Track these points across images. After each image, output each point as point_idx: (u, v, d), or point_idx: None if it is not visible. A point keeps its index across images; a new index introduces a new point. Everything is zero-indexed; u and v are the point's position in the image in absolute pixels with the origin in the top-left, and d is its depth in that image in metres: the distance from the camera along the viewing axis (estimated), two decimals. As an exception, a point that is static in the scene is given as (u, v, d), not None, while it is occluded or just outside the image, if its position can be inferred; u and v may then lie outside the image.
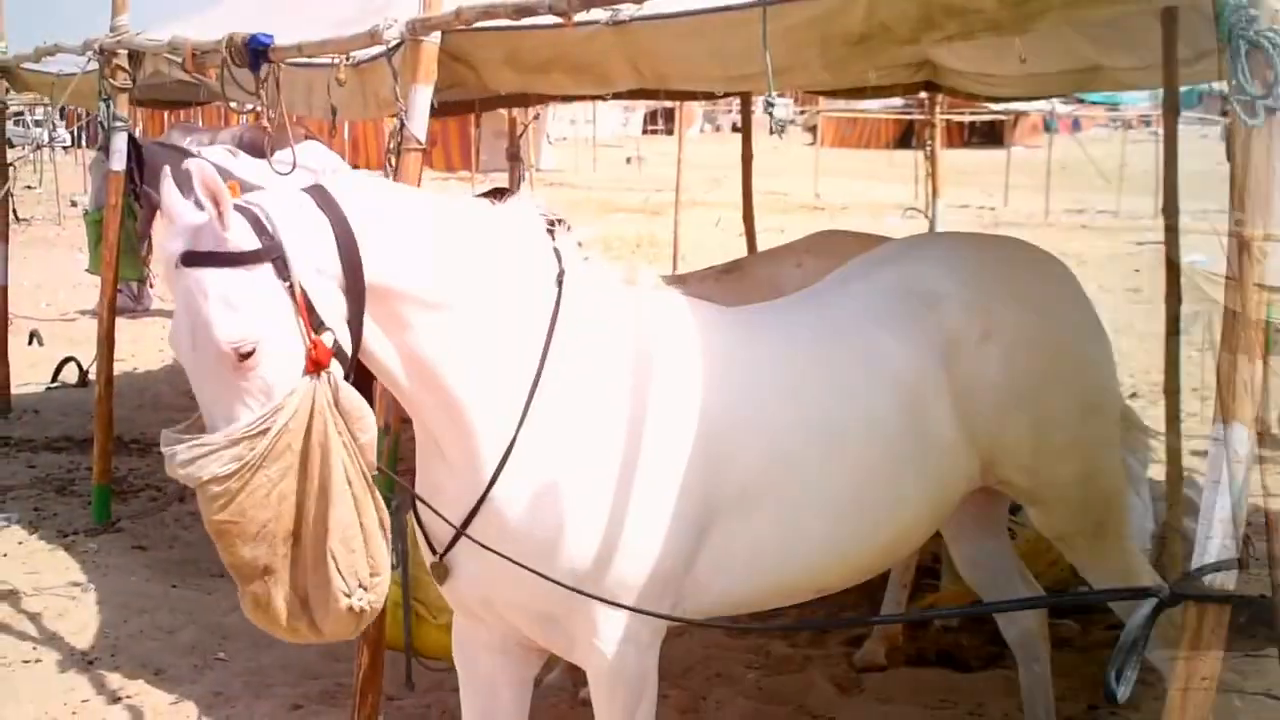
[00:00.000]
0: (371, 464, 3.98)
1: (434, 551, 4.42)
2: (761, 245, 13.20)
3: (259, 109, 8.12)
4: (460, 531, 4.24)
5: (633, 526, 4.24)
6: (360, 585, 3.92)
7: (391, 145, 6.25)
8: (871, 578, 5.25)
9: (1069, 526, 5.23)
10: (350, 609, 3.92)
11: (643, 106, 60.46)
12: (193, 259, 3.69)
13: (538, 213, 4.39)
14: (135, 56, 9.26)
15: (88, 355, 14.10)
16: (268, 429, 3.73)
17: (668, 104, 57.20)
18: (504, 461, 4.15)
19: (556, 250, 4.35)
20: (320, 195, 3.93)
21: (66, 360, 14.34)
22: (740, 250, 21.98)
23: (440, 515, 4.28)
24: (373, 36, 6.24)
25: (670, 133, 64.34)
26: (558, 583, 4.10)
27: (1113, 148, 41.40)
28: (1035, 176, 35.25)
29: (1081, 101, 41.14)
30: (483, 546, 4.15)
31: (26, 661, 7.32)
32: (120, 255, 10.32)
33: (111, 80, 9.33)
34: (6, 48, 12.30)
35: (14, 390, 13.26)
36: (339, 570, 3.88)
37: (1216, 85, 9.91)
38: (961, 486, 4.97)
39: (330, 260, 3.84)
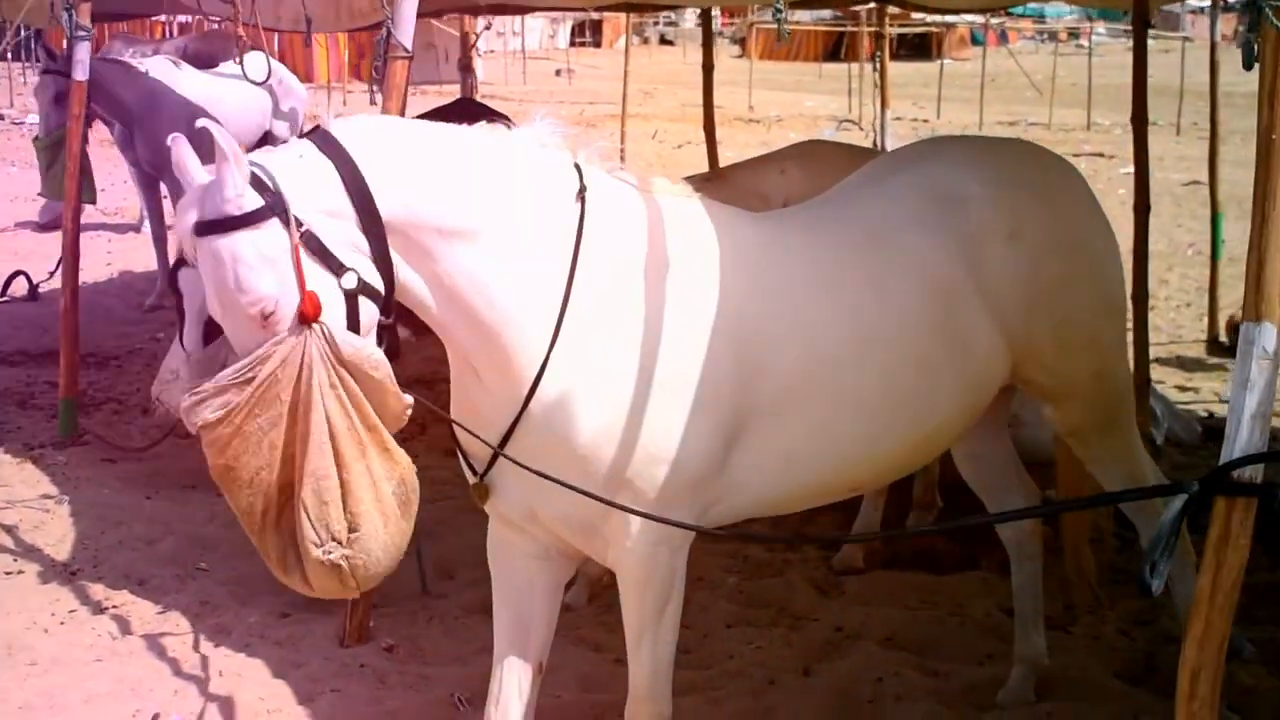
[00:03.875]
0: (399, 401, 4.02)
1: (474, 473, 4.46)
2: (697, 157, 13.17)
3: (220, 19, 8.06)
4: (498, 452, 4.27)
5: (663, 433, 4.28)
6: (333, 539, 3.94)
7: (378, 53, 6.25)
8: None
9: (1083, 421, 5.35)
10: (320, 562, 3.95)
11: (570, 19, 60.19)
12: (205, 228, 3.77)
13: (556, 130, 4.39)
14: (98, -36, 9.15)
15: (34, 269, 14.06)
16: (253, 377, 3.82)
17: (595, 16, 57.17)
18: (538, 380, 4.19)
19: (577, 166, 4.36)
20: (322, 139, 3.96)
21: (15, 274, 14.23)
22: (681, 162, 22.07)
23: (475, 435, 4.32)
24: (358, -56, 6.22)
25: (597, 45, 64.25)
26: (593, 496, 4.16)
27: (1040, 60, 41.65)
28: (964, 89, 35.41)
29: (1009, 14, 41.35)
30: (520, 465, 4.21)
31: (9, 573, 7.32)
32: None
33: (75, -11, 9.19)
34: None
35: (-38, 304, 13.12)
36: (309, 519, 3.92)
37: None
38: (994, 385, 5.06)
39: (341, 202, 3.88)
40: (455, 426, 4.43)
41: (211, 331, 7.72)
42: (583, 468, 4.22)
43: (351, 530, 3.96)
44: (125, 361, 11.70)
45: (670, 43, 66.60)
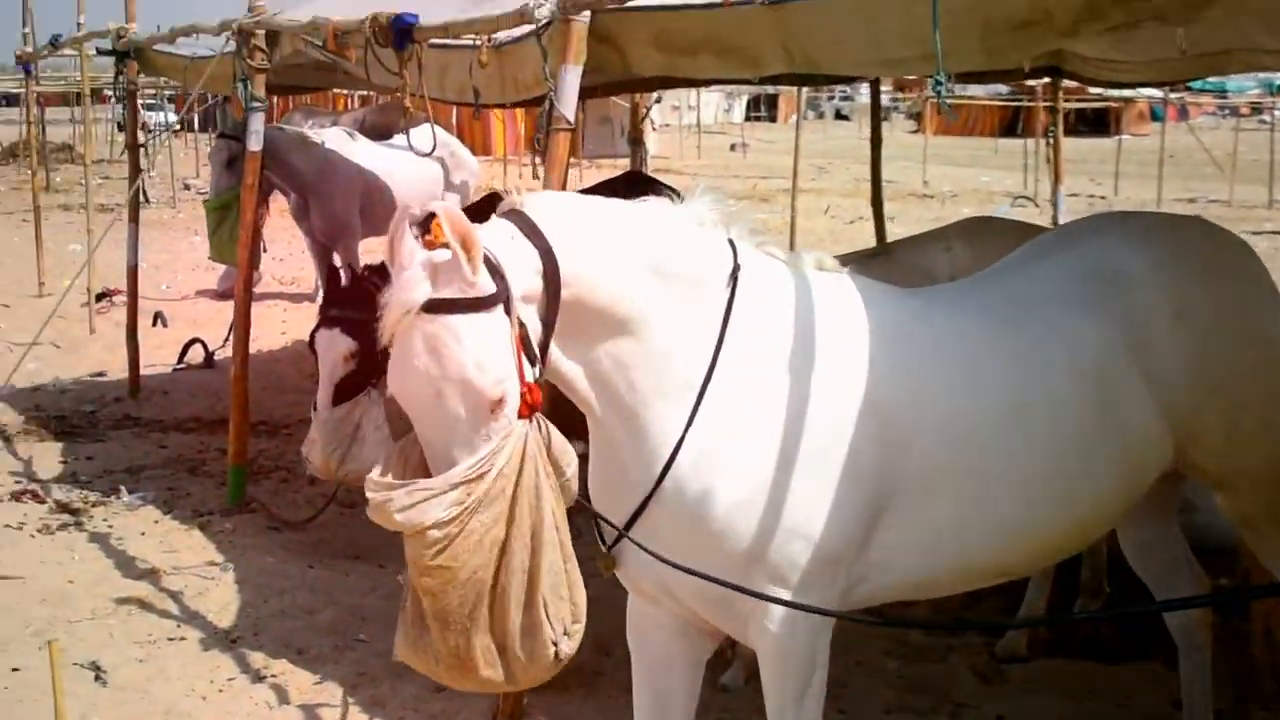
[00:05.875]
0: (572, 499, 4.00)
1: (603, 542, 4.41)
2: (868, 232, 13.06)
3: (387, 92, 8.10)
4: (623, 534, 4.27)
5: (802, 509, 4.23)
6: (565, 633, 3.92)
7: (540, 125, 6.26)
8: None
9: (1255, 511, 5.18)
10: (556, 657, 3.91)
11: (746, 93, 60.44)
12: (440, 305, 3.64)
13: (716, 206, 4.36)
14: (272, 37, 9.30)
15: (210, 336, 14.30)
16: (486, 472, 3.70)
17: (770, 90, 57.33)
18: (673, 458, 4.16)
19: (731, 243, 4.33)
20: (523, 222, 3.89)
21: (192, 342, 14.47)
22: (852, 238, 21.97)
23: (602, 518, 4.34)
24: (522, 15, 6.22)
25: (773, 119, 64.43)
26: (717, 580, 4.09)
27: (1221, 136, 40.92)
28: (1142, 164, 34.89)
29: (1189, 89, 40.74)
30: (642, 548, 4.19)
31: (171, 639, 7.40)
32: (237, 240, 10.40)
33: (249, 61, 9.36)
34: (137, 29, 12.42)
35: (142, 371, 13.33)
36: (548, 617, 3.87)
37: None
38: (1155, 469, 4.92)
39: (537, 288, 3.84)
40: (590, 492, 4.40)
41: (341, 393, 7.76)
42: (718, 543, 4.19)
43: (575, 621, 3.94)
44: (295, 430, 11.76)
45: (846, 118, 66.66)
